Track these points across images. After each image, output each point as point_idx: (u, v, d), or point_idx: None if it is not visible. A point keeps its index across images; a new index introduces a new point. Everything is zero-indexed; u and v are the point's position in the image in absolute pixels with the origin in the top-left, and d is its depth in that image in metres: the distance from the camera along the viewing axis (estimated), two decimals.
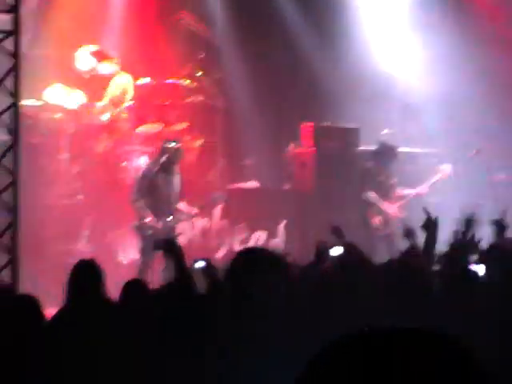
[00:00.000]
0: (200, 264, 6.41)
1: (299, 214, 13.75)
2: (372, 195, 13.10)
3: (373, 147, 13.77)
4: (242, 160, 15.02)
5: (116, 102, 14.45)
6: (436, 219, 7.49)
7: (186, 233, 13.56)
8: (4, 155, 11.02)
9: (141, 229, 11.97)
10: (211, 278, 6.00)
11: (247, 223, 13.95)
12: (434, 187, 13.36)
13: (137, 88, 14.71)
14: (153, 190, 12.69)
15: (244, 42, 16.11)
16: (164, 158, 12.71)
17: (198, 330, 4.70)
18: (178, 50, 15.55)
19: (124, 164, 14.10)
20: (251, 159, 15.00)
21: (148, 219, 11.56)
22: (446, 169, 13.58)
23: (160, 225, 12.59)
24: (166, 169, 13.12)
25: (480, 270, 6.57)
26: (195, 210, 13.64)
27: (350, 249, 7.67)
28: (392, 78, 15.68)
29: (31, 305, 5.49)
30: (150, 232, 11.64)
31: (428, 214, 7.53)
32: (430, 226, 7.46)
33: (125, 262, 13.10)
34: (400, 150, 13.96)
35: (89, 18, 14.58)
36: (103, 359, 4.97)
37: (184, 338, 4.77)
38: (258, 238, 13.87)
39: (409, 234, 7.81)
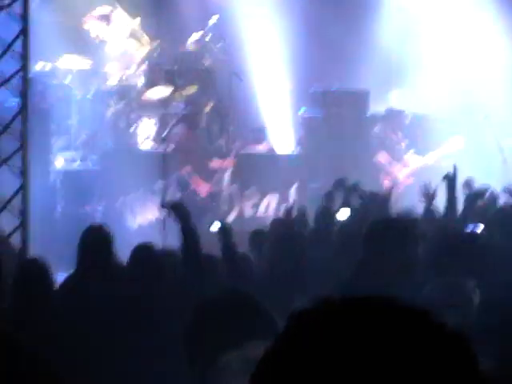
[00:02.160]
0: (216, 226, 6.49)
1: (310, 177, 13.71)
2: (383, 157, 13.39)
3: (382, 111, 14.24)
4: (253, 124, 14.65)
5: (125, 67, 14.66)
6: (454, 172, 7.64)
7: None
8: (13, 119, 10.98)
9: None
10: (226, 240, 6.04)
11: (257, 187, 13.77)
12: (442, 157, 13.36)
13: (145, 52, 14.90)
14: None
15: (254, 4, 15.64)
16: None
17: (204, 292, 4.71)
18: (189, 15, 15.63)
19: (132, 129, 14.29)
20: (261, 123, 14.68)
21: None
22: (458, 141, 13.69)
23: None
24: None
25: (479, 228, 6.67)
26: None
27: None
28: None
29: (40, 268, 5.48)
30: None
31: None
32: (449, 180, 7.58)
33: (134, 226, 13.08)
34: (409, 112, 14.31)
35: None
36: (112, 324, 4.99)
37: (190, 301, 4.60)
38: (269, 202, 13.57)
39: (427, 194, 7.84)
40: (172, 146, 13.85)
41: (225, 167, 13.56)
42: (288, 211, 8.07)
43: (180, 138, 14.27)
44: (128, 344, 4.87)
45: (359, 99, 14.64)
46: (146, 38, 15.37)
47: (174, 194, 13.46)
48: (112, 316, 5.03)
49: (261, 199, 13.73)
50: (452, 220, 7.53)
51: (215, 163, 13.36)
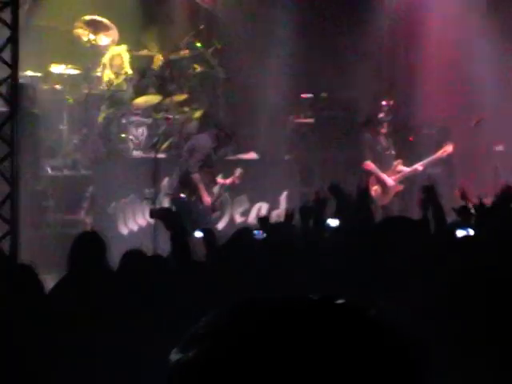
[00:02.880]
0: (199, 233, 6.57)
1: (300, 184, 13.74)
2: (370, 165, 13.20)
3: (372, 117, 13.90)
4: (242, 131, 14.41)
5: (115, 73, 14.40)
6: (432, 186, 7.69)
7: None
8: (3, 125, 10.91)
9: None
10: (210, 246, 6.14)
11: (248, 195, 13.77)
12: (432, 164, 13.40)
13: (136, 59, 14.74)
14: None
15: (245, 12, 15.61)
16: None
17: (195, 295, 4.77)
18: (179, 21, 15.60)
19: (123, 135, 14.01)
20: (251, 130, 14.63)
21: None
22: (448, 148, 13.55)
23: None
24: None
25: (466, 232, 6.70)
26: None
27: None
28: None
29: (29, 273, 5.45)
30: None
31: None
32: (428, 191, 7.54)
33: (125, 232, 13.03)
34: (399, 119, 14.20)
35: None
36: (103, 328, 4.96)
37: (182, 304, 4.77)
38: (260, 210, 13.61)
39: (427, 190, 7.79)
40: (163, 152, 13.83)
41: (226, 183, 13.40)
42: (288, 215, 8.06)
43: (171, 144, 14.29)
44: (120, 346, 4.83)
45: (350, 106, 14.66)
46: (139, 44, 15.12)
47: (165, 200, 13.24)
48: (104, 320, 4.97)
49: (251, 206, 13.55)
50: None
51: (219, 180, 13.46)
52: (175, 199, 11.66)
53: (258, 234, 6.83)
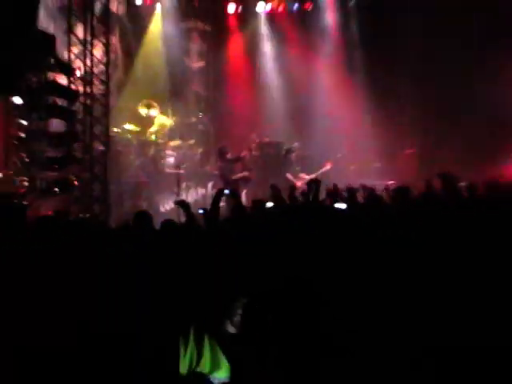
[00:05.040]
0: (200, 211, 6.20)
1: (250, 192, 14.56)
2: (290, 176, 15.64)
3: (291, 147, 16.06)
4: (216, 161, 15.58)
5: (159, 129, 16.81)
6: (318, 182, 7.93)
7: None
8: (102, 157, 13.42)
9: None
10: (209, 222, 5.72)
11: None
12: (321, 174, 15.19)
13: (168, 122, 16.93)
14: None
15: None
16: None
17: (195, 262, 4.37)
18: (190, 99, 17.76)
19: (163, 161, 16.28)
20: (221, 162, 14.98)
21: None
22: (328, 165, 15.98)
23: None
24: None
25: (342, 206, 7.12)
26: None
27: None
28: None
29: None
30: None
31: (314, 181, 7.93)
32: (312, 185, 7.80)
33: (163, 210, 14.81)
34: (301, 151, 16.07)
35: (147, 79, 17.06)
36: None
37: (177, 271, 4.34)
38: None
39: (311, 189, 7.92)
40: (183, 170, 16.05)
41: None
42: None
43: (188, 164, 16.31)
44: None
45: (279, 146, 16.55)
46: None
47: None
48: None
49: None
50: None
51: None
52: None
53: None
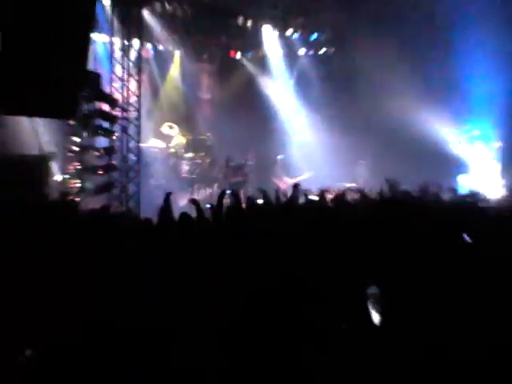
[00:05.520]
0: (208, 206, 5.15)
1: (245, 192, 14.22)
2: (276, 179, 16.00)
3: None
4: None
5: (177, 145, 16.91)
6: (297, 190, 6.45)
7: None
8: (135, 165, 13.47)
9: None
10: (216, 216, 4.94)
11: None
12: (302, 180, 15.12)
13: (184, 139, 16.96)
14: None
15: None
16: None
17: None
18: (199, 120, 17.78)
19: (180, 168, 16.41)
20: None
21: None
22: (309, 173, 15.88)
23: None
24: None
25: None
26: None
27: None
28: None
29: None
30: None
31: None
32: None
33: (180, 205, 13.01)
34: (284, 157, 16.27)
35: (168, 106, 17.26)
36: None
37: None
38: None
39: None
40: (195, 175, 16.21)
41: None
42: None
43: (200, 171, 16.33)
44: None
45: (268, 157, 16.49)
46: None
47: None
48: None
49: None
50: None
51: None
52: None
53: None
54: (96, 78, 11.51)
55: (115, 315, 3.10)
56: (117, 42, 13.35)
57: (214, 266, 3.37)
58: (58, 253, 3.44)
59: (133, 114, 13.44)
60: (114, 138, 13.01)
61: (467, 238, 3.81)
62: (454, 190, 6.19)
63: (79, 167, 12.28)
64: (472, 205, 4.67)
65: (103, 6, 12.84)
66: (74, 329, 2.90)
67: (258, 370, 2.04)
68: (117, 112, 13.01)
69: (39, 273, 3.19)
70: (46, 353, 2.93)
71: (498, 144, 14.32)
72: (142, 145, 14.05)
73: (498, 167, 14.20)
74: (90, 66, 11.03)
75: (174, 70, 16.96)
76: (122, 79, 13.37)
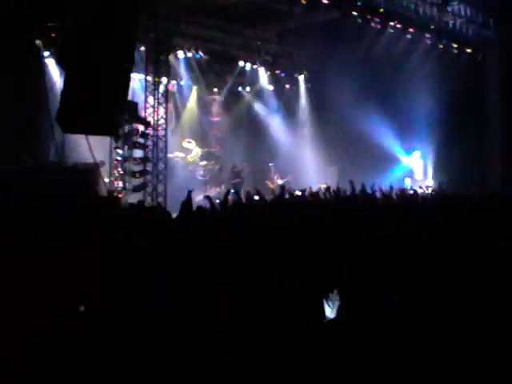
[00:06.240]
0: (217, 201, 5.56)
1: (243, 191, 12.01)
2: (267, 182, 15.80)
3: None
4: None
5: (194, 155, 16.71)
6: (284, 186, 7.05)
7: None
8: (163, 170, 13.12)
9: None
10: (223, 206, 4.78)
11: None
12: (285, 182, 14.98)
13: (199, 151, 16.72)
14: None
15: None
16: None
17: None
18: (208, 135, 17.01)
19: (196, 173, 16.22)
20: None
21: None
22: (289, 177, 15.72)
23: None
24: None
25: None
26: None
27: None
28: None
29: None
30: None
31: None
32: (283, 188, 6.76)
33: (197, 200, 11.99)
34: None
35: (188, 127, 16.62)
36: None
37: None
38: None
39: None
40: (208, 178, 16.12)
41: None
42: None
43: (212, 174, 16.24)
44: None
45: (261, 164, 16.25)
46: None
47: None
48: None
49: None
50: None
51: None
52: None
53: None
54: (134, 105, 11.65)
55: (126, 315, 2.56)
56: (149, 79, 13.30)
57: (217, 266, 2.83)
58: (73, 253, 2.95)
59: (161, 133, 13.32)
60: (147, 150, 12.99)
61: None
62: (381, 189, 5.96)
63: (122, 172, 12.57)
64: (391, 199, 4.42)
65: (140, 52, 12.86)
66: (87, 326, 2.44)
67: (258, 369, 1.63)
68: (149, 131, 13.00)
69: (53, 270, 2.79)
70: (58, 349, 2.40)
71: (431, 155, 15.05)
72: (168, 155, 13.86)
73: (430, 172, 15.07)
74: (130, 96, 11.13)
75: (192, 100, 16.70)
76: (153, 107, 13.31)
